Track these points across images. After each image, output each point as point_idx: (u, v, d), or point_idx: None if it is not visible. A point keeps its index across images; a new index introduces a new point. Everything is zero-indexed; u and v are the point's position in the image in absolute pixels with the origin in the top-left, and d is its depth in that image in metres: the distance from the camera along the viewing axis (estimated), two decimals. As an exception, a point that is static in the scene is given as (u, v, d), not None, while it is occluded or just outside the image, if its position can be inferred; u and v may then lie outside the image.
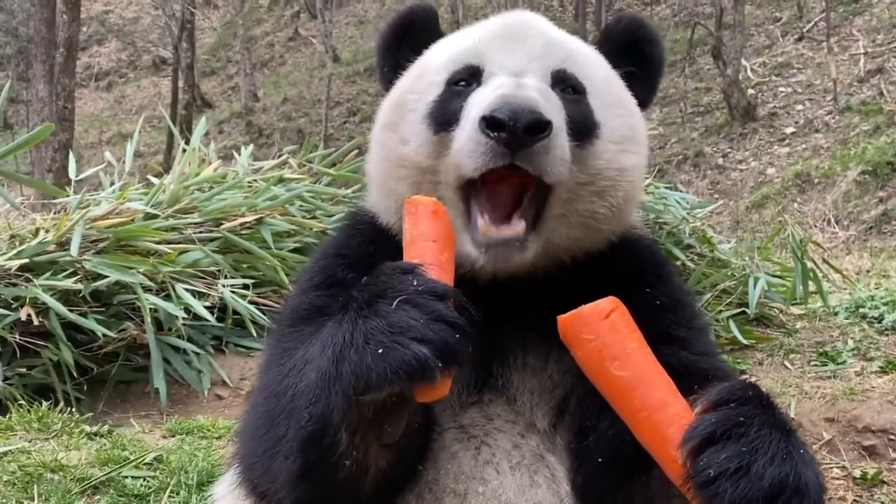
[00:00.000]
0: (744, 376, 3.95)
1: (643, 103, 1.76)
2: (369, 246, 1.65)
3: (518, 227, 1.44)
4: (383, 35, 1.85)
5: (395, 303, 1.19)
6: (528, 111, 1.37)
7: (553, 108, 1.46)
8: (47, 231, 4.11)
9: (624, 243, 1.66)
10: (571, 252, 1.59)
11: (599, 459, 1.44)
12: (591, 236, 1.58)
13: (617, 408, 1.30)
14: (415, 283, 1.21)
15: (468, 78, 1.57)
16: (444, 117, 1.53)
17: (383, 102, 1.74)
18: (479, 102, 1.46)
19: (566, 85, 1.57)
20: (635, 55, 1.73)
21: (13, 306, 3.69)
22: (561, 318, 1.33)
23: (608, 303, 1.32)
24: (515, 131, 1.36)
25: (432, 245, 1.33)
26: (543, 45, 1.59)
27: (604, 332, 1.30)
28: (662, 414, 1.25)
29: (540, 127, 1.38)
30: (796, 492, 1.14)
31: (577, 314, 1.32)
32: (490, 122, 1.38)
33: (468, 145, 1.43)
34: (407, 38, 1.79)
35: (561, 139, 1.44)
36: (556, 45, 1.61)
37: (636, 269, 1.63)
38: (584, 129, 1.53)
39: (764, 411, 1.22)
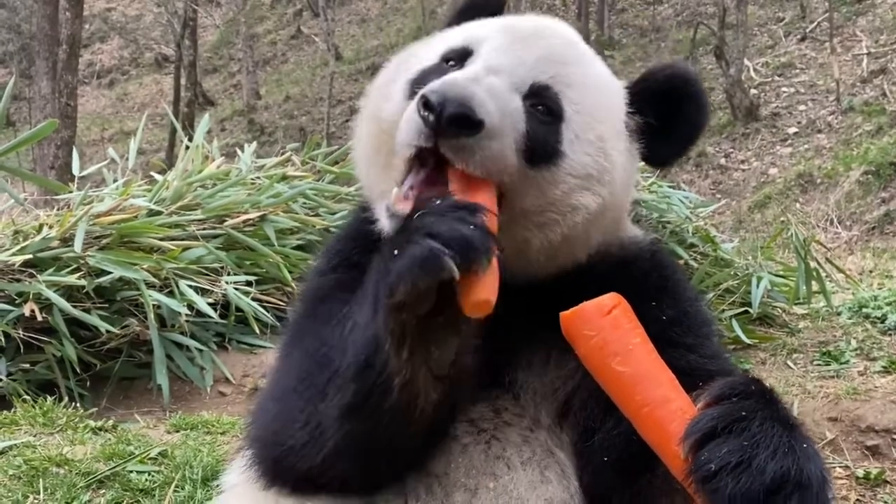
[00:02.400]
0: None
1: (662, 161, 1.71)
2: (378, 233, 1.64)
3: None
4: (449, 11, 1.88)
5: (422, 216, 1.24)
6: (458, 103, 1.34)
7: (503, 114, 1.42)
8: (51, 227, 4.12)
9: (624, 254, 1.65)
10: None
11: (605, 459, 1.44)
12: (517, 262, 1.51)
13: (619, 403, 1.31)
14: (443, 202, 1.26)
15: (457, 58, 1.57)
16: (419, 85, 1.49)
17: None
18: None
19: (540, 102, 1.51)
20: (668, 107, 1.64)
21: (17, 302, 3.69)
22: (563, 314, 1.33)
23: (610, 299, 1.32)
24: (439, 118, 1.34)
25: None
26: (539, 56, 1.54)
27: (605, 328, 1.30)
28: (664, 409, 1.25)
29: (466, 123, 1.35)
30: (798, 486, 1.13)
31: (579, 310, 1.32)
32: (424, 102, 1.36)
33: (408, 116, 1.43)
34: (467, 16, 1.78)
35: (498, 143, 1.40)
36: (552, 61, 1.55)
37: (640, 282, 1.60)
38: (539, 151, 1.47)
39: (766, 405, 1.21)
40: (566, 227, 1.50)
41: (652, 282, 1.63)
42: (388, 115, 1.55)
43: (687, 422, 1.20)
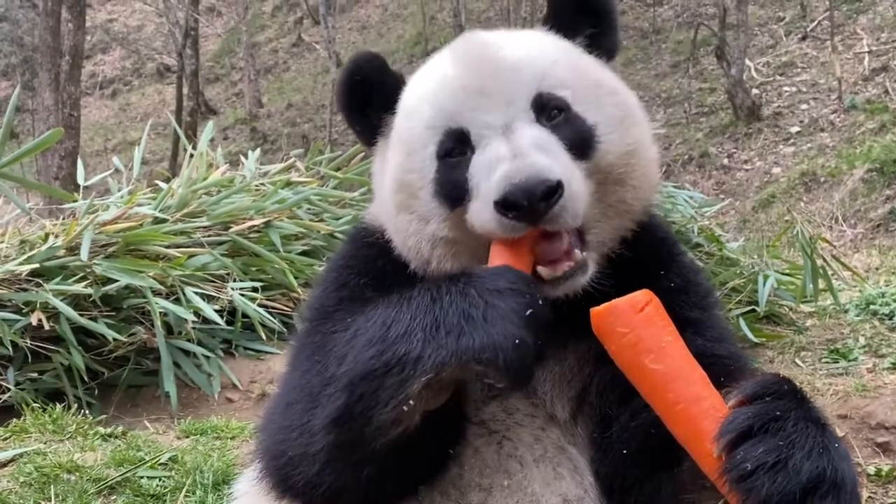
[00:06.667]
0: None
1: (611, 52, 1.72)
2: (377, 260, 1.66)
3: (576, 257, 1.45)
4: (338, 98, 1.81)
5: (504, 291, 1.28)
6: (536, 182, 1.36)
7: (554, 154, 1.44)
8: (57, 236, 4.13)
9: (640, 227, 1.66)
10: (616, 239, 1.61)
11: (623, 451, 1.44)
12: (628, 220, 1.60)
13: (651, 401, 1.30)
14: (508, 276, 1.32)
15: (457, 146, 1.53)
16: (454, 193, 1.51)
17: (377, 170, 1.74)
18: (486, 179, 1.44)
19: (549, 109, 1.53)
20: (586, 13, 1.69)
21: (24, 311, 3.70)
22: (594, 310, 1.32)
23: (643, 295, 1.31)
24: (534, 208, 1.37)
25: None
26: (512, 80, 1.52)
27: (639, 325, 1.29)
28: (697, 407, 1.24)
29: (552, 191, 1.37)
30: (833, 486, 1.14)
31: (612, 307, 1.31)
32: (506, 205, 1.37)
33: (491, 223, 1.42)
34: (364, 95, 1.74)
35: (574, 185, 1.42)
36: (522, 71, 1.53)
37: (652, 253, 1.64)
38: (583, 144, 1.51)
39: (800, 405, 1.22)
40: (637, 166, 1.57)
41: (663, 250, 1.67)
42: (440, 233, 1.55)
43: (719, 420, 1.20)
